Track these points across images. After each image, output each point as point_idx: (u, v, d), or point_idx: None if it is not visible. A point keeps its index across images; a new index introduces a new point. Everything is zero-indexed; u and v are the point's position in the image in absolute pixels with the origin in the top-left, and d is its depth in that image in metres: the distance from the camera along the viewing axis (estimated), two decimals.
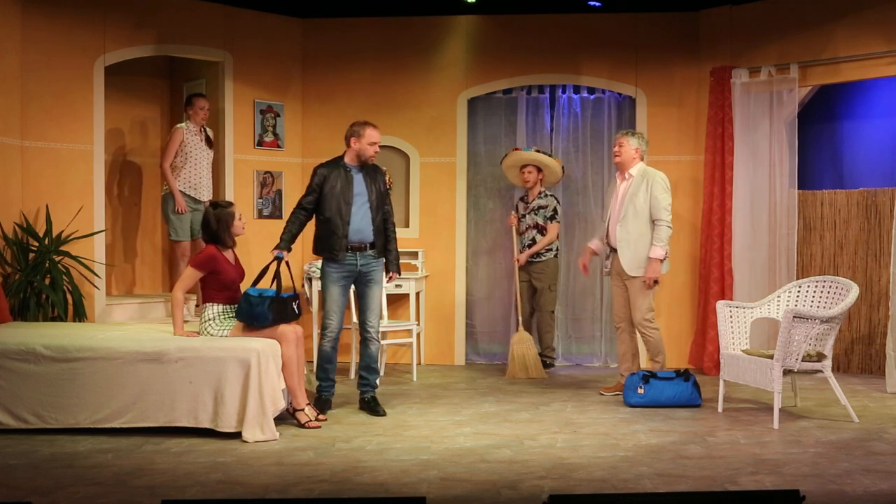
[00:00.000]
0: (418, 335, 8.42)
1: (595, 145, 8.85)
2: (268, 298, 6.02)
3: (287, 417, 6.06)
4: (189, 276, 6.08)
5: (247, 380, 5.69)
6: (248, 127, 8.54)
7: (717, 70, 8.30)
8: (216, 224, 6.13)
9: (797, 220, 8.11)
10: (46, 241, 7.17)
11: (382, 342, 7.78)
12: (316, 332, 8.34)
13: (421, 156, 8.79)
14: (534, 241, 8.38)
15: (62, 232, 7.31)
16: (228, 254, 6.19)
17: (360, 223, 6.43)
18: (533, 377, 7.93)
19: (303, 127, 8.91)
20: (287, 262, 6.34)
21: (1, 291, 6.53)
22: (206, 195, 7.85)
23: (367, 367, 6.59)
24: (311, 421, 6.02)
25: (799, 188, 8.15)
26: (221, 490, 4.63)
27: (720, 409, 6.56)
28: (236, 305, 6.10)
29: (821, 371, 6.22)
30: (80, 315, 7.18)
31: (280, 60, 8.74)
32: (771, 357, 6.19)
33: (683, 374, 6.75)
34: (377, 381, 6.71)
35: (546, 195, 8.43)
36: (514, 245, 8.44)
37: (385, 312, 8.03)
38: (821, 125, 8.78)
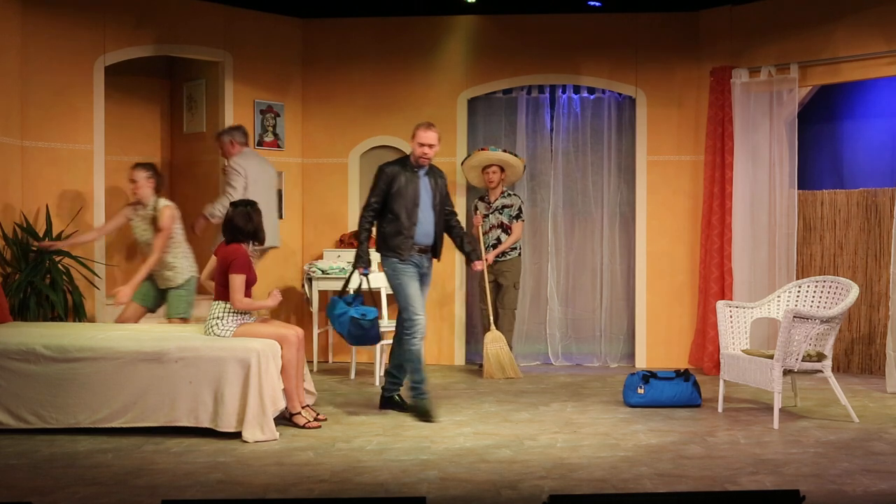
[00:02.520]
0: None
1: (595, 145, 8.85)
2: (375, 319, 6.36)
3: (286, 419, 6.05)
4: (241, 283, 5.94)
5: (247, 380, 5.69)
6: (248, 127, 8.51)
7: (717, 70, 8.30)
8: (247, 221, 6.05)
9: (797, 220, 8.11)
10: (46, 241, 7.17)
11: (382, 342, 7.75)
12: (316, 332, 8.34)
13: None
14: (498, 241, 8.30)
15: (62, 232, 7.31)
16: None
17: (426, 226, 6.43)
18: (510, 377, 7.91)
19: (303, 127, 8.91)
20: (367, 277, 6.49)
21: (1, 291, 6.54)
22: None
23: (401, 366, 6.56)
24: (309, 422, 6.00)
25: (799, 188, 8.15)
26: (221, 490, 4.63)
27: (720, 409, 6.56)
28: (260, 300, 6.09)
29: (821, 371, 6.22)
30: (80, 315, 7.18)
31: (280, 60, 8.74)
32: (771, 357, 6.19)
33: (683, 374, 6.75)
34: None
35: (510, 194, 8.39)
36: (479, 245, 8.27)
37: (385, 312, 8.02)
38: (821, 125, 8.78)
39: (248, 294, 6.12)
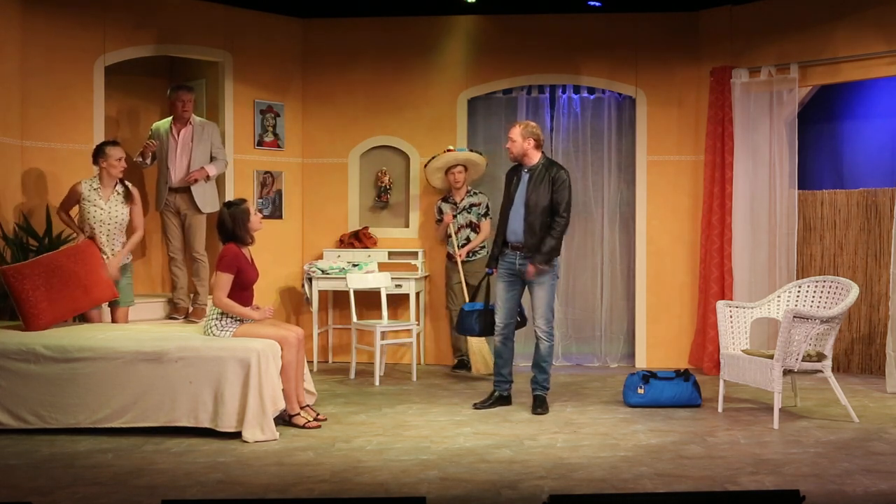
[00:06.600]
0: (418, 335, 8.41)
1: (595, 145, 8.84)
2: (476, 311, 6.92)
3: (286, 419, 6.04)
4: (225, 281, 5.96)
5: (247, 380, 5.69)
6: (248, 127, 8.54)
7: (717, 70, 8.30)
8: (232, 223, 6.08)
9: (797, 220, 8.11)
10: (46, 241, 7.16)
11: (382, 342, 7.77)
12: (316, 332, 8.34)
13: (421, 156, 8.78)
14: (468, 240, 8.28)
15: (62, 232, 7.31)
16: (246, 252, 6.16)
17: (514, 223, 6.56)
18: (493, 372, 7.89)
19: (303, 127, 8.91)
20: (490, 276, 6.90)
21: (102, 266, 6.66)
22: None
23: (536, 364, 6.65)
24: (309, 422, 6.00)
25: (799, 188, 8.15)
26: (221, 490, 4.63)
27: (720, 409, 6.56)
28: (249, 307, 6.07)
29: (821, 371, 6.22)
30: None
31: (280, 60, 8.74)
32: (771, 357, 6.19)
33: (683, 374, 6.75)
34: (547, 382, 6.66)
35: (476, 193, 8.37)
36: (454, 244, 8.20)
37: (385, 313, 8.01)
38: (821, 125, 8.78)
39: (249, 293, 6.12)
